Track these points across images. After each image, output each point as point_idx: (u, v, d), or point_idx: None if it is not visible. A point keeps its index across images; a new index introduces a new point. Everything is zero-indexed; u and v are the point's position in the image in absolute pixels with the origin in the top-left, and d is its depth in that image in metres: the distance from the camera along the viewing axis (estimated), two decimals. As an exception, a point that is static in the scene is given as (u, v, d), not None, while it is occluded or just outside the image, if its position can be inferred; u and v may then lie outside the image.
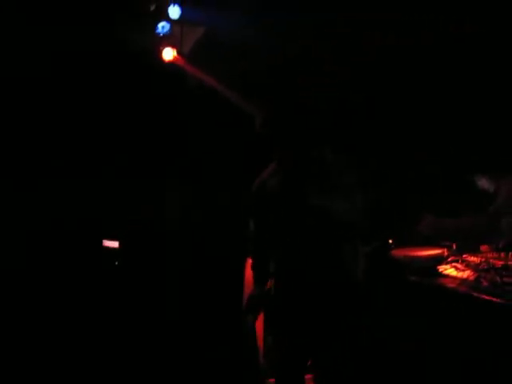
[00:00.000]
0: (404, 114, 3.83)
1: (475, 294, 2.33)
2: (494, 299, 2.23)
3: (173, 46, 3.65)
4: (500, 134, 3.42)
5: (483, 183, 3.39)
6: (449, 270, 2.65)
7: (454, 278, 2.56)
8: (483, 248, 2.89)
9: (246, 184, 3.27)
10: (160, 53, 3.65)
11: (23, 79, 3.61)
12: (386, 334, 2.55)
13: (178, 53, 3.63)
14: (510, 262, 2.53)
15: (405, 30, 3.42)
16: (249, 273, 3.33)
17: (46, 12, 3.48)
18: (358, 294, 2.34)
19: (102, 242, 3.95)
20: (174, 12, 3.66)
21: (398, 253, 2.88)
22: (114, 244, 4.01)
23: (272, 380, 3.27)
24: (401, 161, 3.92)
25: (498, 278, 2.39)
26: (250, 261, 3.32)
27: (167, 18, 3.70)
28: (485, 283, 2.40)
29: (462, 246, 2.88)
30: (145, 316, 3.52)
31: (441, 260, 2.76)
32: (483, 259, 2.64)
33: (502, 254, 2.70)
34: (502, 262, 2.54)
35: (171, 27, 3.52)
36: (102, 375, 3.22)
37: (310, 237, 2.30)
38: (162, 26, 3.47)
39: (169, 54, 3.62)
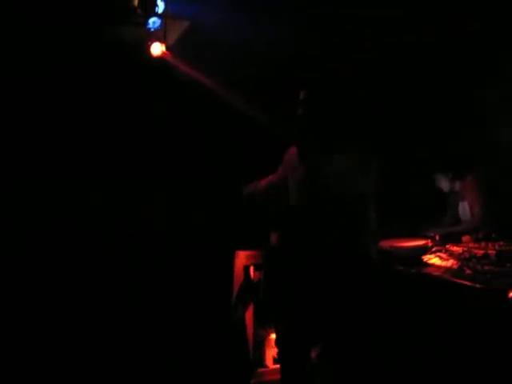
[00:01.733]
0: (405, 111, 3.92)
1: (459, 281, 2.45)
2: (477, 285, 2.36)
3: (161, 40, 3.65)
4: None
5: (441, 183, 3.61)
6: (433, 259, 2.78)
7: (439, 266, 2.69)
8: (465, 239, 3.04)
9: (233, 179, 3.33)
10: (148, 48, 3.65)
11: (15, 79, 3.57)
12: (379, 321, 2.65)
13: (167, 48, 3.64)
14: (489, 251, 2.66)
15: (407, 27, 3.44)
16: (238, 265, 3.40)
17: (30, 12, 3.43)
18: (370, 271, 2.48)
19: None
20: (159, 6, 3.67)
21: (384, 244, 2.98)
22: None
23: (261, 370, 3.36)
24: (402, 157, 4.03)
25: (479, 266, 2.53)
26: (239, 253, 3.41)
27: (153, 13, 3.71)
28: (468, 271, 2.53)
29: (445, 237, 3.02)
30: (136, 306, 3.53)
31: (425, 250, 2.89)
32: (465, 249, 2.78)
33: (482, 244, 2.86)
34: (482, 251, 2.68)
35: (161, 22, 3.52)
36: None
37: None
38: (153, 22, 3.47)
39: (157, 48, 3.63)
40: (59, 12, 3.42)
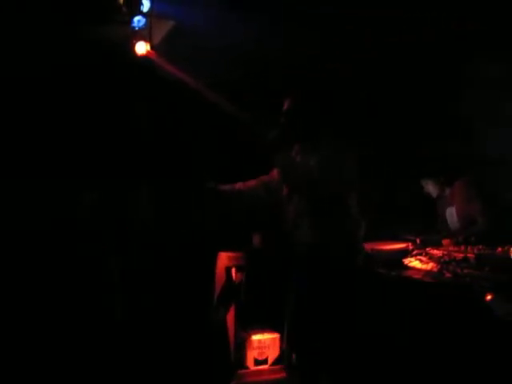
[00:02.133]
0: (405, 111, 3.91)
1: (439, 284, 2.48)
2: (456, 288, 2.39)
3: (145, 40, 3.62)
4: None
5: (430, 188, 3.63)
6: (414, 262, 2.81)
7: (419, 269, 2.71)
8: (445, 242, 3.07)
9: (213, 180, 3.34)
10: (132, 47, 3.61)
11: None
12: (361, 322, 2.67)
13: (152, 47, 3.61)
14: (469, 255, 2.70)
15: (407, 27, 3.43)
16: (220, 266, 3.39)
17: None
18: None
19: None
20: (145, 5, 3.65)
21: (366, 246, 3.00)
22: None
23: (242, 372, 3.35)
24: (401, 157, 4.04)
25: (458, 270, 2.56)
26: (221, 254, 3.40)
27: (138, 12, 3.68)
28: (447, 274, 2.56)
29: (426, 240, 3.06)
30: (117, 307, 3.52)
31: (406, 253, 2.92)
32: (445, 252, 2.81)
33: (462, 248, 2.89)
34: (461, 255, 2.72)
35: (146, 21, 3.50)
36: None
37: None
38: (138, 20, 3.44)
39: (142, 47, 3.59)
40: (42, 10, 3.38)
